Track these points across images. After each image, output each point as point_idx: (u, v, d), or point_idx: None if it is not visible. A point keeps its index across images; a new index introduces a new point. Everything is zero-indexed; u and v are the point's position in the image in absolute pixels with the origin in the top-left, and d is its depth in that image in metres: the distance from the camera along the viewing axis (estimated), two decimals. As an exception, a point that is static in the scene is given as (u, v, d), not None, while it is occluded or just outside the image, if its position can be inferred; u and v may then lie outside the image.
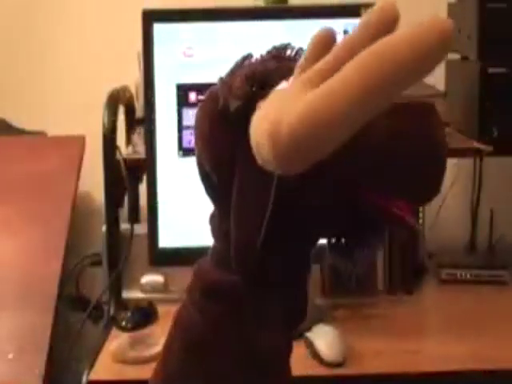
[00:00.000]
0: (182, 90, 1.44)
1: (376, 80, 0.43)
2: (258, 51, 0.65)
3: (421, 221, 1.71)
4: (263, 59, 0.60)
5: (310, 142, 0.45)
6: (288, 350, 0.63)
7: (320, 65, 0.48)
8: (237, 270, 0.59)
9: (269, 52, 0.61)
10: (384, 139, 0.55)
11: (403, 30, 0.44)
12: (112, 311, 1.57)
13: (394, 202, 0.58)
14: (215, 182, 0.59)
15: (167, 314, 1.44)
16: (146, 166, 1.47)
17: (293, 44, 0.61)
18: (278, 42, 0.64)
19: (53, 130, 1.94)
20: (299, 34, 1.43)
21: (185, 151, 1.45)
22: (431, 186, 0.59)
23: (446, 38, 0.43)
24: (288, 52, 0.61)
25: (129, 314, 1.50)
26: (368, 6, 1.44)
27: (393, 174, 0.57)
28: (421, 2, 1.88)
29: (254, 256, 0.58)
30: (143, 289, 1.63)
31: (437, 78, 1.79)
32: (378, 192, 0.58)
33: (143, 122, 1.50)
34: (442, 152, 0.58)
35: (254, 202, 0.57)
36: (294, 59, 0.59)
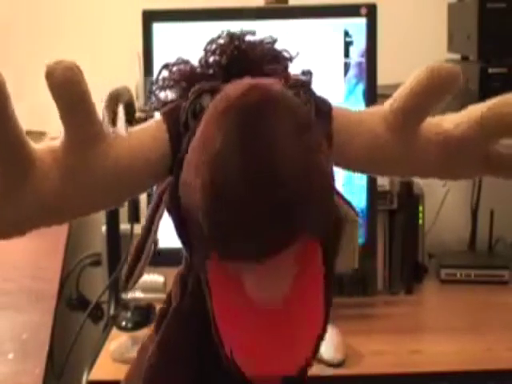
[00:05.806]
0: (182, 90, 1.44)
1: None
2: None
3: (421, 221, 1.71)
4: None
5: None
6: None
7: None
8: None
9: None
10: None
11: None
12: (112, 311, 1.57)
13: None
14: None
15: (167, 314, 1.45)
16: (146, 166, 1.46)
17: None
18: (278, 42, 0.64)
19: (53, 130, 1.93)
20: (299, 34, 1.43)
21: (185, 151, 1.44)
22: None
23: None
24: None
25: (129, 313, 1.50)
26: (368, 6, 1.44)
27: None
28: (421, 2, 1.88)
29: None
30: (143, 289, 1.63)
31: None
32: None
33: (143, 122, 1.50)
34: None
35: None
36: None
